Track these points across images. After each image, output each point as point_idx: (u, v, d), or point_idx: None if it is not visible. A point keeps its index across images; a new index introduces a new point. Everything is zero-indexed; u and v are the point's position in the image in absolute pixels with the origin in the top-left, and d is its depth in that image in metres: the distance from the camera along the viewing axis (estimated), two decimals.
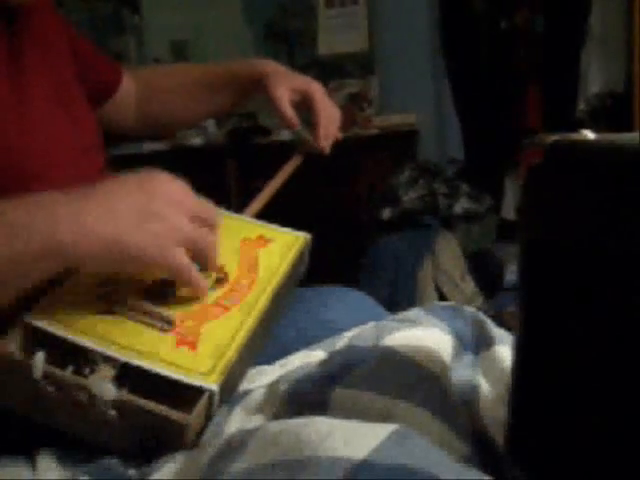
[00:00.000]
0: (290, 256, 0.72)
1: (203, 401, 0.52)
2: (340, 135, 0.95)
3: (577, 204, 0.44)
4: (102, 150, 0.82)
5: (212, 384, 0.53)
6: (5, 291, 0.53)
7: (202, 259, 0.59)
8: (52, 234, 0.52)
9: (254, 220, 0.79)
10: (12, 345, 0.53)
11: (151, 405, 0.51)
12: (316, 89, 0.91)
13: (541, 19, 2.49)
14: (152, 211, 0.55)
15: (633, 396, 0.40)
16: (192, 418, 0.51)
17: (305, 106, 0.92)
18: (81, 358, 0.53)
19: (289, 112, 0.90)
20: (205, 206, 0.61)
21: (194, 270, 0.58)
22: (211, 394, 0.53)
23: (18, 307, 0.55)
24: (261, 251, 0.71)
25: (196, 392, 0.53)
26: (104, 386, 0.51)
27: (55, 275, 0.56)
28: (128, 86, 0.98)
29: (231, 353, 0.57)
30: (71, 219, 0.52)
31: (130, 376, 0.53)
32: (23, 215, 0.52)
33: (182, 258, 0.56)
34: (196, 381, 0.53)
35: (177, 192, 0.58)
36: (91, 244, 0.52)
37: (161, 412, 0.51)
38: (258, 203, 0.83)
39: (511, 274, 2.16)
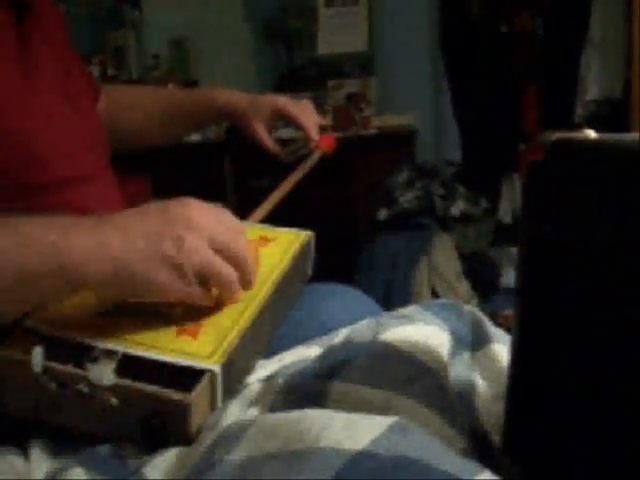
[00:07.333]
0: (292, 250, 0.72)
1: (204, 382, 0.52)
2: (333, 140, 1.03)
3: (578, 203, 0.44)
4: (107, 148, 0.83)
5: (213, 365, 0.53)
6: (13, 302, 0.53)
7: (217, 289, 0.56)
8: (63, 250, 0.51)
9: (255, 224, 0.79)
10: (12, 348, 0.53)
11: (152, 388, 0.51)
12: (281, 103, 0.99)
13: (541, 23, 2.50)
14: (167, 234, 0.53)
15: (630, 395, 0.41)
16: (193, 397, 0.51)
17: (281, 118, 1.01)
18: (81, 356, 0.53)
19: (272, 146, 1.00)
20: (237, 242, 0.56)
21: (203, 298, 0.56)
22: (212, 375, 0.53)
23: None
24: (263, 249, 0.71)
25: (199, 376, 0.52)
26: (103, 373, 0.51)
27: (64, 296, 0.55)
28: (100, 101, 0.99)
29: (233, 337, 0.56)
30: (83, 237, 0.52)
31: (131, 369, 0.52)
32: (37, 228, 0.52)
33: (189, 286, 0.54)
34: (197, 363, 0.53)
35: (203, 218, 0.55)
36: (98, 262, 0.51)
37: (162, 394, 0.51)
38: (261, 212, 0.84)
39: (507, 277, 2.16)
